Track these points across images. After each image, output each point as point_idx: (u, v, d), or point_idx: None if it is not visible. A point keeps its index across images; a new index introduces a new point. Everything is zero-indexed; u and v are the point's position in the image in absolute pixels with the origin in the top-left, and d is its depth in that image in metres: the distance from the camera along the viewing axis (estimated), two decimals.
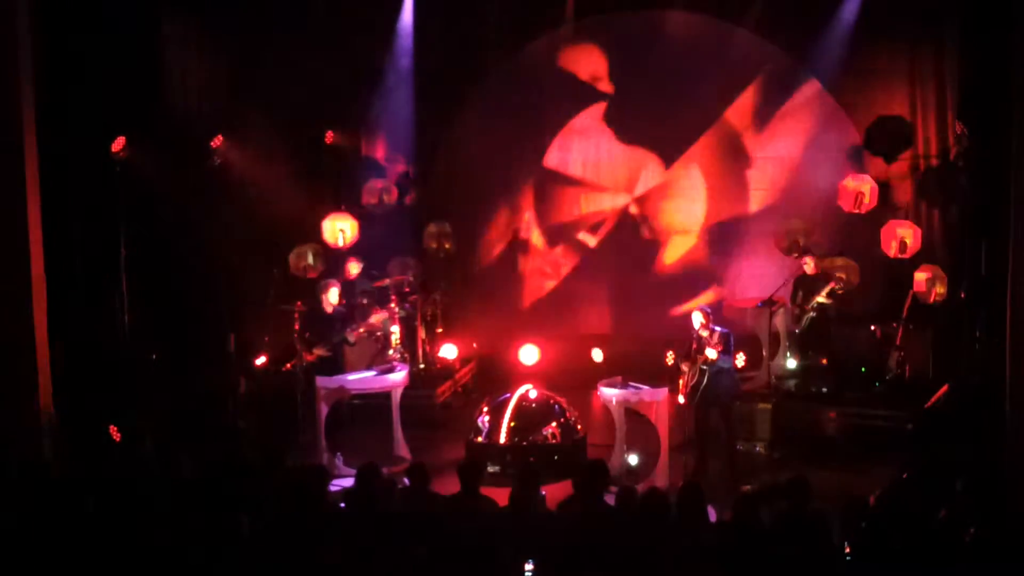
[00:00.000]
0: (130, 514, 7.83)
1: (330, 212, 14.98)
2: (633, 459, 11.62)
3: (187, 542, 7.28)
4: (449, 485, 8.91)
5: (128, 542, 7.35)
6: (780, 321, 13.58)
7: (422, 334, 14.44)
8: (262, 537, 7.59)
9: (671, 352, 11.88)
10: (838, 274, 13.35)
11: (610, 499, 8.58)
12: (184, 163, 13.33)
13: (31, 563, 7.27)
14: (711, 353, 11.21)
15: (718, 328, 11.42)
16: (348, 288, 14.19)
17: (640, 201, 16.23)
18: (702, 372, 11.36)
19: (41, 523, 7.75)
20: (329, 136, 15.59)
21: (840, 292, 13.19)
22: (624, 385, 11.81)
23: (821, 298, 13.10)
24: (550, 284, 16.53)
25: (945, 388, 12.69)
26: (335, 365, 12.79)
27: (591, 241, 16.45)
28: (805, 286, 13.33)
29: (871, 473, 10.91)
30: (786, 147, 15.42)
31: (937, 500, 8.12)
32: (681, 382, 11.62)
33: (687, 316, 11.89)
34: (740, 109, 15.54)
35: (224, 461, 9.20)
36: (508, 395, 12.21)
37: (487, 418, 12.09)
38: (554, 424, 11.98)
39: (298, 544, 7.48)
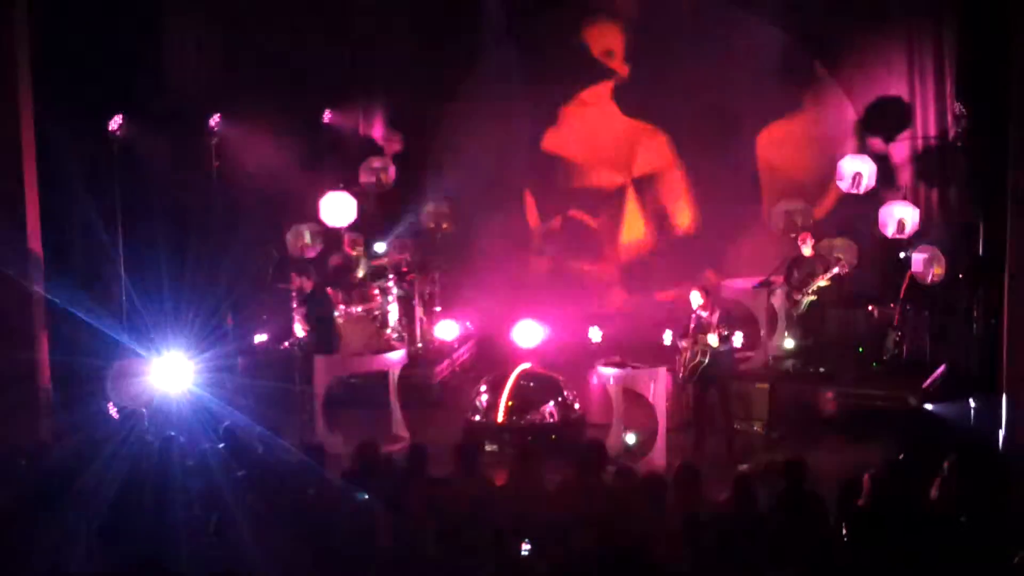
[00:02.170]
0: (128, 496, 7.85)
1: (328, 191, 14.96)
2: (631, 438, 11.64)
3: (186, 524, 7.32)
4: (447, 464, 8.93)
5: (127, 523, 7.38)
6: (778, 301, 13.57)
7: (420, 313, 14.44)
8: (262, 516, 7.62)
9: (669, 331, 11.87)
10: (836, 254, 13.32)
11: (608, 478, 8.62)
12: (182, 142, 13.30)
13: (31, 542, 7.29)
14: (713, 340, 11.21)
15: (719, 309, 11.43)
16: (346, 264, 14.22)
17: (639, 180, 16.22)
18: (703, 352, 11.36)
19: (40, 501, 7.78)
20: (327, 115, 15.56)
21: (844, 275, 13.17)
22: (622, 364, 11.82)
23: (823, 281, 13.06)
24: (548, 263, 16.53)
25: (942, 368, 12.72)
26: (332, 344, 12.81)
27: (589, 220, 16.44)
28: (802, 268, 13.30)
29: (868, 454, 10.91)
30: (785, 127, 15.38)
31: (931, 480, 8.14)
32: (679, 359, 11.61)
33: (685, 295, 11.88)
34: (739, 88, 15.45)
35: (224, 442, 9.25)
36: (506, 374, 12.21)
37: (485, 397, 12.10)
38: (552, 403, 12.00)
39: (297, 522, 7.51)
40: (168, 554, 7.10)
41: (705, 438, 11.60)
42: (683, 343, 11.54)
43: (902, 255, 13.55)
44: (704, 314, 11.40)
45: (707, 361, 11.36)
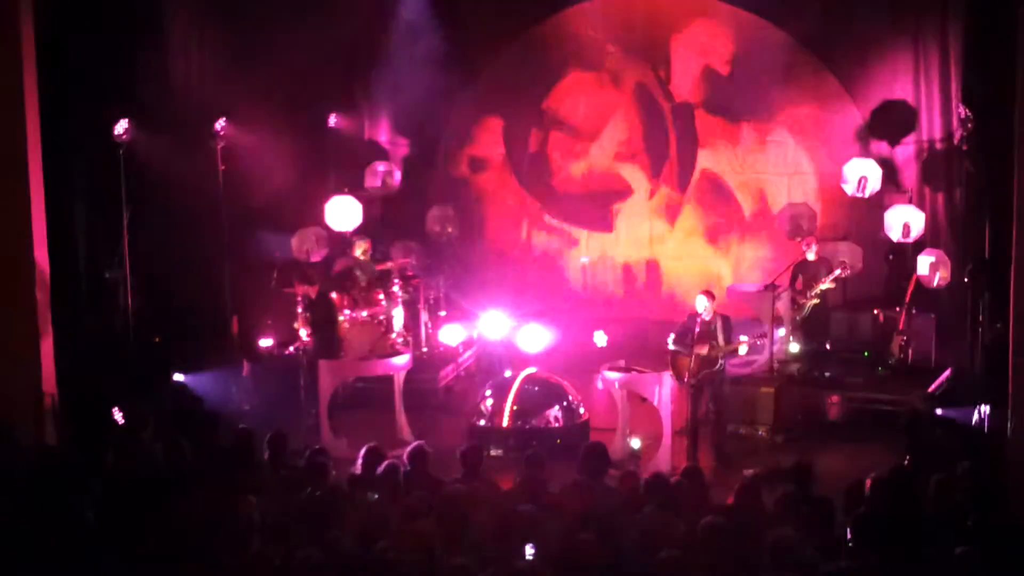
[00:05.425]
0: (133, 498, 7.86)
1: (332, 195, 14.97)
2: (635, 443, 11.62)
3: (191, 526, 7.31)
4: (452, 469, 8.93)
5: (131, 526, 7.38)
6: (783, 305, 13.54)
7: (425, 317, 14.43)
8: (267, 520, 7.62)
9: (673, 335, 11.81)
10: (841, 259, 13.30)
11: (612, 482, 8.61)
12: (187, 146, 13.32)
13: (34, 546, 7.29)
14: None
15: (719, 314, 11.40)
16: (351, 269, 14.21)
17: (643, 186, 16.22)
18: (712, 360, 11.28)
19: (46, 505, 7.78)
20: (332, 118, 15.57)
21: (844, 277, 13.14)
22: (627, 369, 11.80)
23: (825, 284, 13.03)
24: (553, 267, 16.54)
25: (948, 373, 12.69)
26: (336, 348, 12.82)
27: (594, 224, 16.44)
28: (807, 272, 13.27)
29: (873, 458, 10.89)
30: (790, 129, 15.38)
31: (936, 485, 8.12)
32: (685, 363, 11.48)
33: (690, 299, 11.87)
34: (744, 91, 15.49)
35: (227, 445, 9.26)
36: (510, 378, 12.21)
37: (490, 402, 12.10)
38: (556, 408, 11.99)
39: (302, 527, 7.50)
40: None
41: (700, 443, 11.52)
42: (702, 351, 11.36)
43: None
44: (707, 318, 11.34)
45: (717, 367, 11.33)
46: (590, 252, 16.49)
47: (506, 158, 16.56)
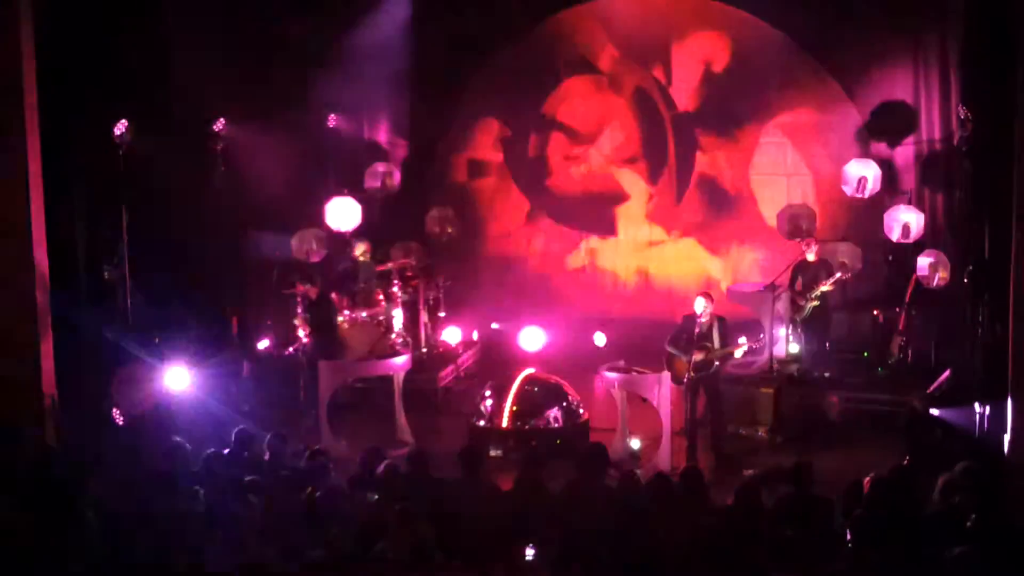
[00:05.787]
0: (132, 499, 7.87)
1: (332, 196, 14.98)
2: (635, 443, 11.63)
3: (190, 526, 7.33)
4: (451, 469, 8.94)
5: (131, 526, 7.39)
6: (783, 306, 13.54)
7: (424, 318, 14.44)
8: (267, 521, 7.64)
9: (671, 337, 11.81)
10: (841, 260, 13.30)
11: (611, 483, 8.63)
12: (187, 147, 13.33)
13: (34, 546, 7.31)
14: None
15: (716, 316, 11.40)
16: (353, 270, 14.23)
17: (642, 187, 16.22)
18: (707, 362, 11.30)
19: (46, 505, 7.79)
20: (332, 119, 15.58)
21: (846, 280, 13.14)
22: (626, 369, 11.80)
23: (825, 287, 13.02)
24: (553, 267, 16.55)
25: (947, 373, 12.69)
26: (336, 349, 12.82)
27: (594, 227, 16.44)
28: (806, 273, 13.26)
29: (873, 458, 10.90)
30: (789, 131, 15.39)
31: (936, 485, 8.13)
32: (682, 366, 11.47)
33: (689, 301, 11.86)
34: (743, 93, 15.50)
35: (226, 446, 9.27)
36: (510, 379, 12.21)
37: (489, 402, 12.10)
38: (556, 408, 11.99)
39: (302, 527, 7.52)
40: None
41: (700, 443, 11.52)
42: (698, 353, 11.35)
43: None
44: (705, 320, 11.33)
45: (712, 371, 11.34)
46: (589, 254, 16.50)
47: (505, 161, 16.57)
